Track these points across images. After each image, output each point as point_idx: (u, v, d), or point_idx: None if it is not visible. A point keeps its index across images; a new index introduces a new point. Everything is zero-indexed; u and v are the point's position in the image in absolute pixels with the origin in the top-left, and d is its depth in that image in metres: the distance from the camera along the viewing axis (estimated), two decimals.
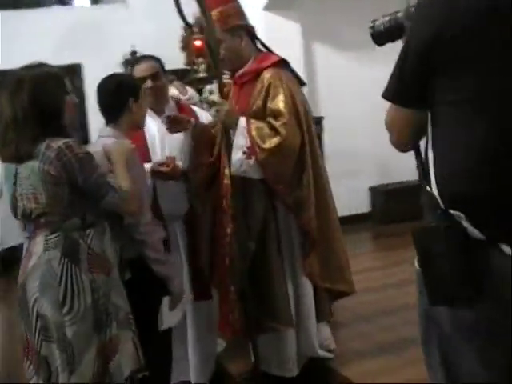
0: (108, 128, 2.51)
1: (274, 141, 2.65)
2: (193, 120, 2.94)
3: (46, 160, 2.06)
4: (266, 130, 2.67)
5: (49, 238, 2.11)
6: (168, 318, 2.58)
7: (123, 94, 2.47)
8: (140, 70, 3.00)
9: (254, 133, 2.67)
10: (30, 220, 2.15)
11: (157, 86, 2.95)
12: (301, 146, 2.72)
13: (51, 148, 2.06)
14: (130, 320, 2.27)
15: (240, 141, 2.69)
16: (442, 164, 1.43)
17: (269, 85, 2.71)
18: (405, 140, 1.59)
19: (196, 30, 5.64)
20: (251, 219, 2.80)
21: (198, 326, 3.07)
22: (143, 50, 6.62)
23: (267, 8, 5.14)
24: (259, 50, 2.90)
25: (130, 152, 2.37)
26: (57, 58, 6.86)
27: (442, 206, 1.42)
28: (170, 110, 3.03)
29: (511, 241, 1.34)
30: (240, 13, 2.81)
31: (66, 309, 2.06)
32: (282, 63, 2.84)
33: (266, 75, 2.74)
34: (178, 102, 3.26)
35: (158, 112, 3.00)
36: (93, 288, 2.12)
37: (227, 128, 2.74)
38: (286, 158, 2.69)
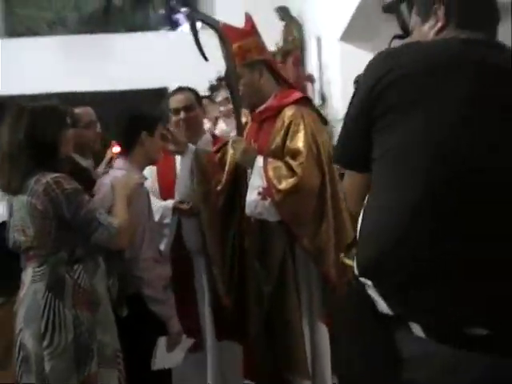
0: (120, 160, 2.55)
1: (290, 181, 2.52)
2: (191, 145, 2.86)
3: (33, 194, 2.11)
4: (284, 170, 2.55)
5: (36, 270, 2.16)
6: (167, 358, 2.51)
7: (136, 127, 2.49)
8: (174, 101, 3.02)
9: (270, 173, 2.56)
10: (20, 251, 2.22)
11: (190, 118, 2.95)
12: (321, 188, 2.57)
13: (40, 182, 2.11)
14: (117, 359, 2.25)
15: (256, 181, 2.59)
16: (360, 227, 1.27)
17: (289, 123, 2.60)
18: (353, 207, 1.44)
19: None
20: (269, 261, 2.68)
21: (220, 366, 2.99)
22: None
23: (343, 39, 5.02)
24: (282, 85, 2.79)
25: (134, 186, 2.38)
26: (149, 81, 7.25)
27: (356, 272, 1.25)
28: (204, 143, 3.02)
29: (425, 319, 1.14)
30: (260, 47, 2.72)
31: (45, 343, 2.09)
32: (305, 100, 2.72)
33: (288, 113, 2.62)
34: (214, 135, 3.24)
35: (194, 143, 3.00)
36: (75, 324, 2.13)
37: (243, 167, 2.67)
38: (302, 198, 2.55)
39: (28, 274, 2.18)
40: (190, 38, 2.61)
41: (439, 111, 1.19)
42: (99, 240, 2.17)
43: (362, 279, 1.22)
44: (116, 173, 2.49)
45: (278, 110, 2.67)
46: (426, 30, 1.36)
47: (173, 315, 2.48)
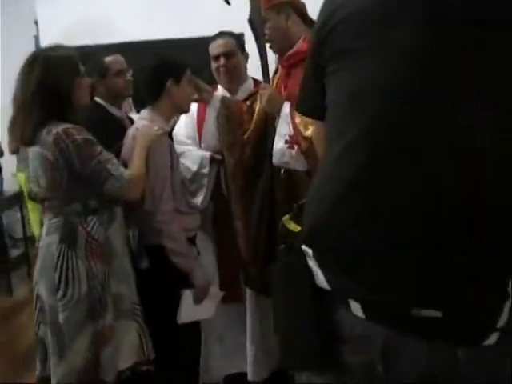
0: (146, 110, 2.48)
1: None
2: (216, 93, 2.72)
3: (44, 145, 2.09)
4: None
5: (51, 221, 2.17)
6: (195, 311, 2.48)
7: (161, 76, 2.40)
8: (214, 47, 2.90)
9: (297, 119, 2.40)
10: (37, 202, 2.23)
11: (230, 64, 2.82)
12: None
13: (51, 133, 2.08)
14: (135, 310, 2.25)
15: (283, 129, 2.44)
16: (310, 186, 1.12)
17: None
18: (321, 156, 1.28)
19: None
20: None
21: (260, 319, 2.94)
22: None
23: None
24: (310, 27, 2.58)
25: (154, 137, 2.31)
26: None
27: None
28: (246, 89, 2.89)
29: (366, 296, 0.99)
30: None
31: (60, 294, 2.11)
32: None
33: None
34: (255, 80, 3.10)
35: (232, 92, 2.89)
36: (89, 276, 2.13)
37: (272, 115, 2.51)
38: None
39: (44, 225, 2.19)
40: None
41: (390, 53, 1.00)
42: (110, 191, 2.13)
43: (304, 247, 1.08)
44: (140, 123, 2.43)
45: (306, 54, 2.47)
46: None
47: (196, 267, 2.42)
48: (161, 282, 2.35)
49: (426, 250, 0.94)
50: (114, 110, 2.85)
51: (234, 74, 2.85)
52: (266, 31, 2.49)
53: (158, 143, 2.31)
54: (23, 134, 2.13)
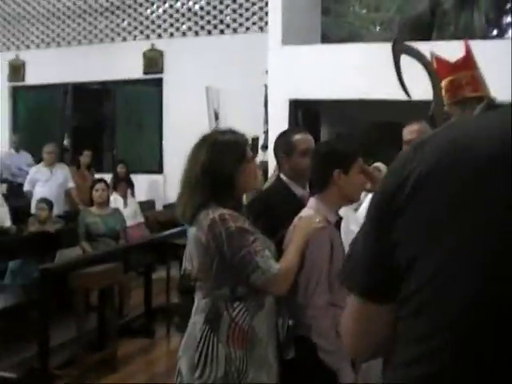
0: (313, 198, 2.43)
1: None
2: None
3: (200, 228, 2.15)
4: None
5: (200, 301, 2.21)
6: None
7: (328, 165, 2.35)
8: (407, 132, 2.78)
9: None
10: (191, 281, 2.29)
11: None
12: None
13: (207, 217, 2.13)
14: None
15: None
16: None
17: None
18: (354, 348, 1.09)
19: None
20: None
21: None
22: None
23: None
24: None
25: (313, 231, 2.25)
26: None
27: None
28: None
29: None
30: (477, 82, 2.27)
31: (197, 373, 2.14)
32: None
33: None
34: None
35: None
36: (227, 361, 2.12)
37: None
38: None
39: (194, 304, 2.25)
40: None
41: (482, 231, 0.81)
42: (255, 283, 2.12)
43: None
44: (305, 212, 2.39)
45: None
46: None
47: (344, 366, 2.28)
48: (306, 374, 2.26)
49: None
50: (297, 189, 2.81)
51: None
52: None
53: (316, 236, 2.24)
54: (184, 212, 2.21)
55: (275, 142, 2.96)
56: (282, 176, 2.87)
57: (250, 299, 2.17)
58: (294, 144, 2.79)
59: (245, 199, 2.57)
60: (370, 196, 2.77)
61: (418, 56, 2.28)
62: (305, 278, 2.25)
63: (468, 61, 2.34)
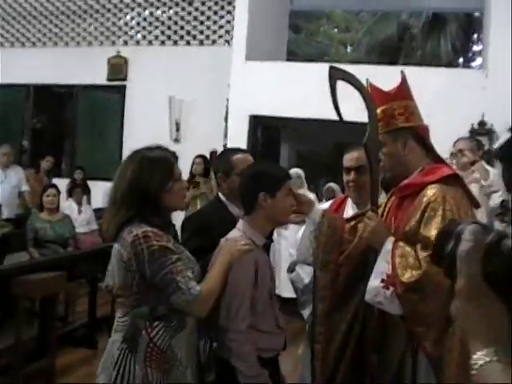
0: (241, 220, 2.44)
1: (415, 274, 2.12)
2: (317, 207, 2.55)
3: (123, 244, 2.13)
4: (411, 258, 2.16)
5: (119, 319, 2.19)
6: None
7: (254, 188, 2.34)
8: (347, 159, 2.84)
9: (397, 260, 2.18)
10: (112, 295, 2.28)
11: (360, 180, 2.75)
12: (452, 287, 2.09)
13: (131, 233, 2.11)
14: None
15: (381, 266, 2.23)
16: None
17: (427, 205, 2.17)
18: None
19: None
20: (388, 355, 2.31)
21: None
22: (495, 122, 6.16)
23: None
24: (435, 158, 2.35)
25: (237, 253, 2.26)
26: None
27: None
28: None
29: None
30: (409, 113, 2.32)
31: None
32: (454, 179, 2.24)
33: (428, 192, 2.19)
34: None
35: (360, 206, 2.79)
36: (144, 381, 2.10)
37: (370, 246, 2.33)
38: (426, 296, 2.12)
39: (115, 322, 2.23)
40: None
41: None
42: (175, 303, 2.10)
43: None
44: (233, 233, 2.40)
45: (420, 188, 2.26)
46: None
47: None
48: None
49: None
50: (234, 209, 2.80)
51: (363, 189, 2.74)
52: (380, 156, 2.34)
53: (241, 259, 2.25)
54: (108, 229, 2.19)
55: (215, 161, 2.98)
56: (220, 195, 2.89)
57: (170, 319, 2.16)
58: (232, 164, 2.80)
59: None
60: (308, 220, 2.79)
61: (355, 82, 2.31)
62: (227, 300, 2.25)
63: (402, 91, 2.38)
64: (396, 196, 2.41)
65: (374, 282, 2.24)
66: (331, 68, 2.30)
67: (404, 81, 2.36)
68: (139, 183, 2.14)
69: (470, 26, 15.70)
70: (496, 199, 4.40)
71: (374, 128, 2.30)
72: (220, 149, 8.03)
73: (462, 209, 2.16)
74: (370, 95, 2.31)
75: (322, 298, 2.47)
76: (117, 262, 2.17)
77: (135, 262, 2.10)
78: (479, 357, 0.96)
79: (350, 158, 2.83)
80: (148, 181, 2.15)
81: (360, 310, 2.39)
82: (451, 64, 14.61)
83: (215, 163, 2.92)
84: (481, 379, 0.93)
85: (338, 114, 2.33)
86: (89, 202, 8.15)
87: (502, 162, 1.15)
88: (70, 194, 7.93)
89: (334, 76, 2.29)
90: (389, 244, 2.23)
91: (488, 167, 4.70)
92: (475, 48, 16.74)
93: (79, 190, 7.84)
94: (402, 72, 2.36)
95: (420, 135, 2.34)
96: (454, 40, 15.60)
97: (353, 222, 2.51)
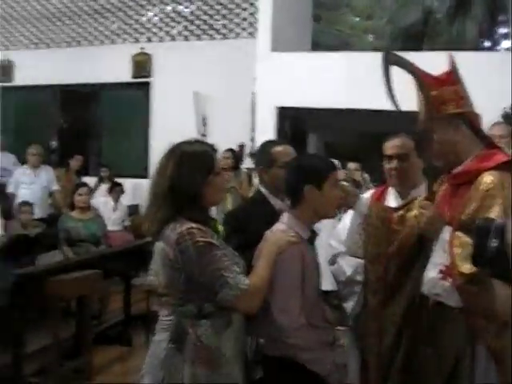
0: (286, 213, 2.37)
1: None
2: (364, 198, 2.48)
3: (167, 242, 2.07)
4: (471, 249, 2.07)
5: (164, 318, 2.14)
6: None
7: (299, 180, 2.27)
8: (388, 147, 2.76)
9: (456, 250, 2.10)
10: (157, 295, 2.22)
11: (402, 168, 2.65)
12: None
13: (174, 231, 2.05)
14: None
15: (438, 256, 2.15)
16: None
17: (485, 192, 2.09)
18: None
19: None
20: (443, 350, 2.22)
21: None
22: None
23: None
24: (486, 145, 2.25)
25: (283, 245, 2.19)
26: None
27: None
28: (417, 195, 2.65)
29: None
30: (461, 98, 2.23)
31: None
32: (509, 165, 2.14)
33: (485, 179, 2.10)
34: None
35: (403, 195, 2.71)
36: (192, 380, 2.05)
37: (427, 236, 2.24)
38: (487, 289, 2.04)
39: (159, 320, 2.17)
40: None
41: None
42: (223, 300, 2.04)
43: None
44: (276, 226, 2.33)
45: (476, 175, 2.17)
46: None
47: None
48: None
49: None
50: (275, 202, 2.74)
51: (406, 177, 2.67)
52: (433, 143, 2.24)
53: (287, 253, 2.17)
54: (150, 227, 2.13)
55: (256, 154, 2.92)
56: (261, 188, 2.82)
57: (217, 316, 2.09)
58: (274, 156, 2.74)
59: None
60: (350, 212, 2.72)
61: (409, 68, 2.22)
62: (276, 296, 2.17)
63: (452, 75, 2.29)
64: (449, 184, 2.32)
65: (431, 273, 2.16)
66: (386, 53, 2.22)
67: (453, 65, 2.26)
68: (180, 180, 2.08)
69: (496, 9, 15.35)
70: None
71: (424, 113, 2.21)
72: (248, 142, 8.00)
73: None
74: (423, 81, 2.22)
75: (375, 291, 2.40)
76: (161, 261, 2.11)
77: (181, 259, 2.04)
78: None
79: (392, 145, 2.74)
80: (189, 177, 2.08)
81: (414, 302, 2.31)
82: (478, 48, 14.33)
83: (256, 156, 2.86)
84: None
85: (393, 101, 2.24)
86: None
87: None
88: (109, 191, 7.97)
89: (388, 60, 2.20)
90: (446, 233, 2.15)
91: None
92: (501, 30, 16.39)
93: (119, 189, 7.88)
94: (450, 56, 2.26)
95: (472, 121, 2.24)
96: (479, 23, 15.26)
97: (400, 212, 2.43)
